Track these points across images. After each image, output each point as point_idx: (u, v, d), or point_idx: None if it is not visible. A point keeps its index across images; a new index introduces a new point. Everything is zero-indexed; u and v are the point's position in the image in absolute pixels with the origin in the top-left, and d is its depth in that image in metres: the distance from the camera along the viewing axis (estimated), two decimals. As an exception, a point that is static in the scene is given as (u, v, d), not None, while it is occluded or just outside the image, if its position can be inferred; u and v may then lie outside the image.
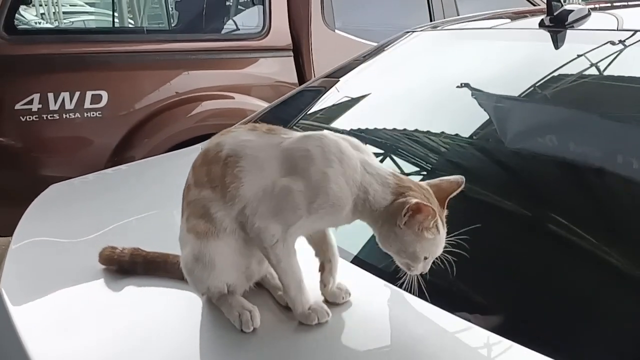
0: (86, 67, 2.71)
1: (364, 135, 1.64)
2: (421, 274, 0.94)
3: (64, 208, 1.52)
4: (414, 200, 0.89)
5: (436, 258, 0.94)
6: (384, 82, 1.85)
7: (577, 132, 1.29)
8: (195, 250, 0.96)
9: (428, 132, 1.54)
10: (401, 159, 1.49)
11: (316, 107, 1.85)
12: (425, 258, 0.92)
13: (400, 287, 0.96)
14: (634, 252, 0.99)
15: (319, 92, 1.94)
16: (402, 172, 1.47)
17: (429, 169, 1.47)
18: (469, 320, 0.93)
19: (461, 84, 1.60)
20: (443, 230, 0.93)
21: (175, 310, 1.05)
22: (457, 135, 1.52)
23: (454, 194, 0.96)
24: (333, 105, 1.85)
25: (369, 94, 1.82)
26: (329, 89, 1.89)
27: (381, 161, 1.55)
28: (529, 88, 1.50)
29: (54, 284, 1.13)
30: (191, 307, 1.02)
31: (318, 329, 0.94)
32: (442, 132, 1.54)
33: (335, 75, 1.96)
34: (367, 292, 1.03)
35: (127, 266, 1.12)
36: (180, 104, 2.84)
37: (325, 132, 0.98)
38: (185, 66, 2.90)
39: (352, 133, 1.66)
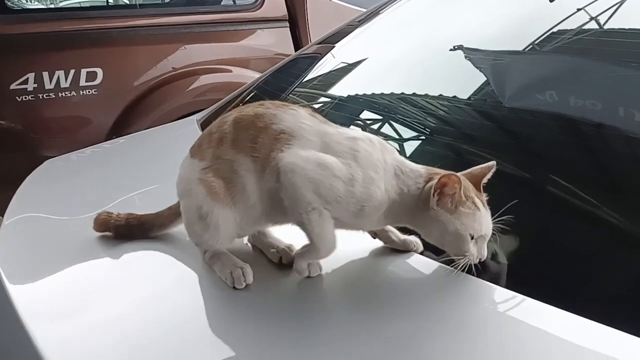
0: (80, 45, 2.68)
1: (362, 100, 1.62)
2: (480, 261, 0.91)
3: (59, 183, 1.50)
4: (438, 177, 0.90)
5: None
6: (380, 46, 1.81)
7: (578, 86, 1.26)
8: (202, 207, 0.95)
9: (426, 95, 1.52)
10: (400, 125, 1.47)
11: (312, 74, 1.82)
12: (472, 237, 0.90)
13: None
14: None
15: (314, 59, 1.90)
16: (401, 138, 1.48)
17: (428, 133, 1.44)
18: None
19: (454, 46, 1.56)
20: (484, 209, 0.92)
21: (175, 276, 1.04)
22: (455, 97, 1.50)
23: (487, 177, 0.96)
24: (330, 72, 1.81)
25: (365, 59, 1.78)
26: (325, 56, 1.86)
27: (380, 127, 1.55)
28: (527, 45, 1.46)
29: (50, 260, 1.12)
30: (191, 272, 1.02)
31: (312, 285, 0.95)
32: (440, 95, 1.51)
33: (330, 41, 1.92)
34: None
35: (122, 230, 1.12)
36: (177, 79, 2.82)
37: (370, 135, 0.97)
38: (181, 40, 2.88)
39: (351, 99, 1.64)
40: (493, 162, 0.97)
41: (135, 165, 1.60)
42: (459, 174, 0.94)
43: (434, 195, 0.90)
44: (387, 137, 1.44)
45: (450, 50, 1.55)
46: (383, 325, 0.85)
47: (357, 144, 0.93)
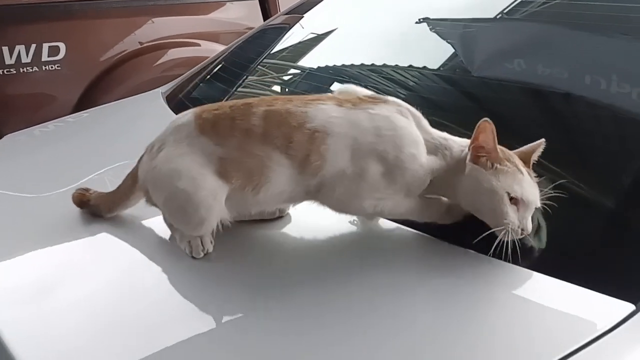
0: (41, 18, 2.58)
1: (331, 72, 1.59)
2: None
3: (20, 159, 1.45)
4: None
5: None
6: (350, 16, 1.78)
7: (546, 54, 1.26)
8: (202, 190, 0.91)
9: (396, 65, 1.50)
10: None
11: (281, 45, 1.79)
12: (512, 199, 0.87)
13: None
14: (603, 178, 0.99)
15: (282, 29, 1.87)
16: None
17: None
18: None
19: (419, 19, 1.54)
20: (530, 178, 0.89)
21: (140, 255, 1.02)
22: (425, 67, 1.48)
23: (537, 153, 0.93)
24: (299, 42, 1.78)
25: (334, 30, 1.76)
26: (293, 26, 1.82)
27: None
28: (496, 14, 1.45)
29: (11, 242, 1.08)
30: (158, 248, 1.01)
31: (278, 253, 0.95)
32: (410, 65, 1.50)
33: (298, 11, 1.88)
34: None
35: (94, 209, 1.10)
36: (144, 53, 2.74)
37: (402, 107, 0.96)
38: (148, 13, 2.79)
39: (320, 70, 1.62)
40: (542, 140, 0.92)
41: (100, 141, 1.56)
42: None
43: (469, 150, 0.89)
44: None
45: (416, 23, 1.53)
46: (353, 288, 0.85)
47: (391, 122, 0.92)
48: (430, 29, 1.52)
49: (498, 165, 0.88)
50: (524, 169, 0.90)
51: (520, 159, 0.92)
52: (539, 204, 0.88)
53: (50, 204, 1.18)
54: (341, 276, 0.89)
